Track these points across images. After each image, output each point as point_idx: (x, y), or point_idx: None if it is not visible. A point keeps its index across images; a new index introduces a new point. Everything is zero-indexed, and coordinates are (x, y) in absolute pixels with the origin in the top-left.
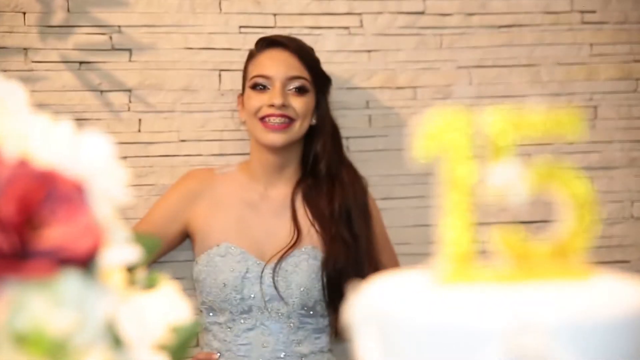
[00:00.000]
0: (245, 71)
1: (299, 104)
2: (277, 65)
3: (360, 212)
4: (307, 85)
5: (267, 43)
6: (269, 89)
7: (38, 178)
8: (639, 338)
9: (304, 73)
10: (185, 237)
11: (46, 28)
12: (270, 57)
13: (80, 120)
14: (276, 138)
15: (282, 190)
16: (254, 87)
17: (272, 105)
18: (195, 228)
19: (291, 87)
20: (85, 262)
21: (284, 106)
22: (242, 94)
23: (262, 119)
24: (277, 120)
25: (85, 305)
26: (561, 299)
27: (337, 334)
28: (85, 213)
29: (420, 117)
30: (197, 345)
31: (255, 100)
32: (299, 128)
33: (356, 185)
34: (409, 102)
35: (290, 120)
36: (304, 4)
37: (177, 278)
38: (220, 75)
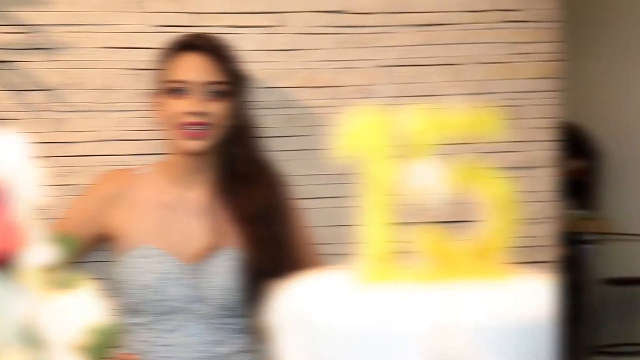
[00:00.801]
0: (160, 72)
1: (218, 109)
2: (194, 70)
3: (279, 212)
4: (225, 88)
5: (183, 45)
6: (186, 94)
7: None
8: (557, 338)
9: (222, 76)
10: (106, 238)
11: None
12: (187, 61)
13: None
14: (195, 145)
15: (201, 191)
16: (171, 91)
17: (190, 113)
18: (114, 230)
19: (209, 92)
20: (3, 263)
21: (202, 113)
22: (157, 94)
23: (180, 125)
24: (196, 127)
25: (2, 306)
26: (481, 300)
27: (257, 334)
28: (2, 213)
29: (340, 117)
30: (119, 346)
31: (173, 105)
32: (217, 132)
33: (275, 185)
34: (329, 102)
35: (209, 126)
36: (224, 3)
37: (98, 279)
38: (139, 75)
